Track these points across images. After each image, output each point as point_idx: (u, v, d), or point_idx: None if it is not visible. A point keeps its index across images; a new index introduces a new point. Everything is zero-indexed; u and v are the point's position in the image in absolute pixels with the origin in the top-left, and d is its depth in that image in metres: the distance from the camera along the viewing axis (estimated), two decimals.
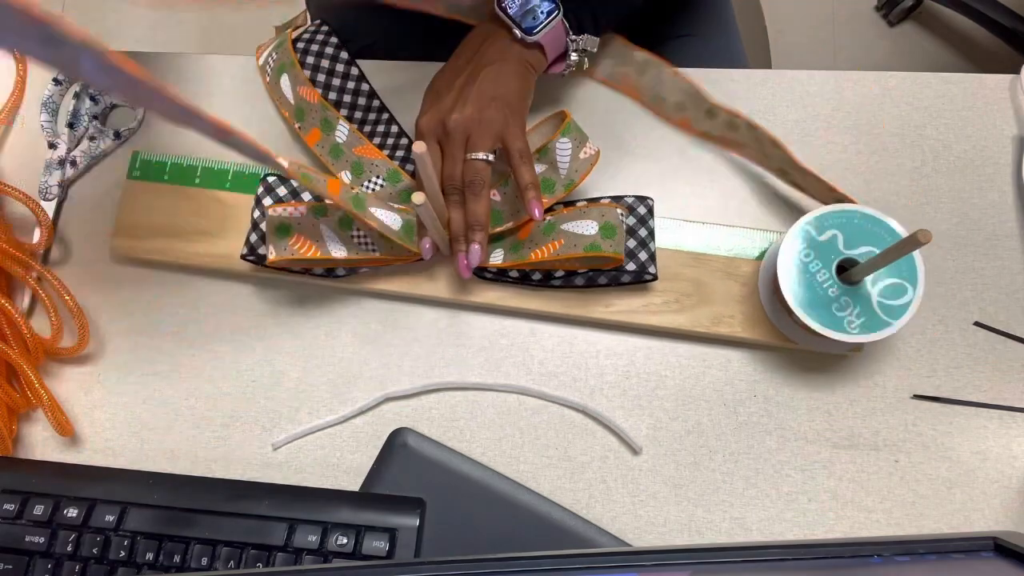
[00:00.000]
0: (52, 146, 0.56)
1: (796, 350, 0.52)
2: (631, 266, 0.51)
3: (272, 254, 0.48)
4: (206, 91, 0.59)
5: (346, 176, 0.54)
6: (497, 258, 0.51)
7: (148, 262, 0.55)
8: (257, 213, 0.52)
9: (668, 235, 0.53)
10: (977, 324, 0.53)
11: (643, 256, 0.51)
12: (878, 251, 0.48)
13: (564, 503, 0.50)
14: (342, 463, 0.52)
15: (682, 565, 0.31)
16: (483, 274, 0.52)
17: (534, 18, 0.50)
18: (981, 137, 0.56)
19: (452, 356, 0.53)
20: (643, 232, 0.52)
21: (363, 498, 0.49)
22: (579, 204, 0.51)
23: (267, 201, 0.53)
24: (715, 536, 0.50)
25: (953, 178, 0.55)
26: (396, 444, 0.51)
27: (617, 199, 0.52)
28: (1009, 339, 0.52)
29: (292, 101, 0.55)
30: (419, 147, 0.42)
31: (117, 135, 0.57)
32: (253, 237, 0.52)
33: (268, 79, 0.57)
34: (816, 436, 0.51)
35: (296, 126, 0.55)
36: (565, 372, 0.53)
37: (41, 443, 0.52)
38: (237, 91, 0.59)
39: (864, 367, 0.52)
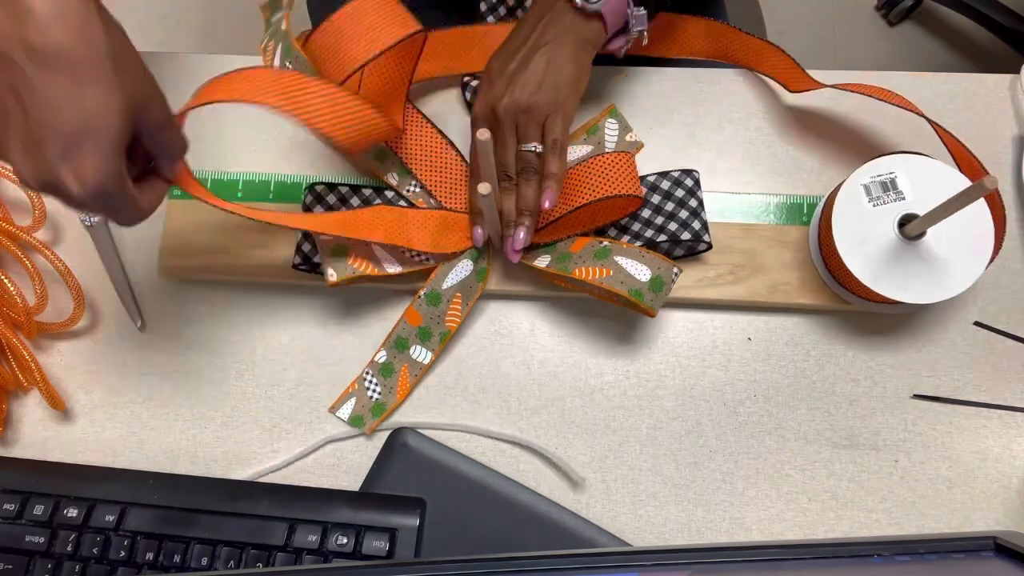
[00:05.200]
0: None
1: (851, 313, 0.53)
2: (686, 235, 0.51)
3: (333, 276, 0.48)
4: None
5: (392, 178, 0.54)
6: (543, 262, 0.51)
7: (198, 280, 0.54)
8: None
9: (715, 209, 0.54)
10: (977, 324, 0.53)
11: (696, 225, 0.51)
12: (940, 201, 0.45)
13: (564, 503, 0.50)
14: (342, 463, 0.52)
15: (682, 565, 0.31)
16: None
17: None
18: (981, 137, 0.56)
19: (452, 356, 0.53)
20: (693, 202, 0.52)
21: (363, 498, 0.49)
22: (639, 244, 0.51)
23: (317, 210, 0.52)
24: (715, 536, 0.50)
25: None
26: (396, 444, 0.51)
27: (663, 174, 0.53)
28: (1009, 339, 0.52)
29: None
30: (483, 134, 0.42)
31: None
32: (306, 247, 0.51)
33: None
34: (816, 436, 0.51)
35: None
36: (565, 372, 0.53)
37: (41, 443, 0.52)
38: None
39: (864, 367, 0.52)
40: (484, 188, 0.43)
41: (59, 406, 0.51)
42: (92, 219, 0.55)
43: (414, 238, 0.51)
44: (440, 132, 0.54)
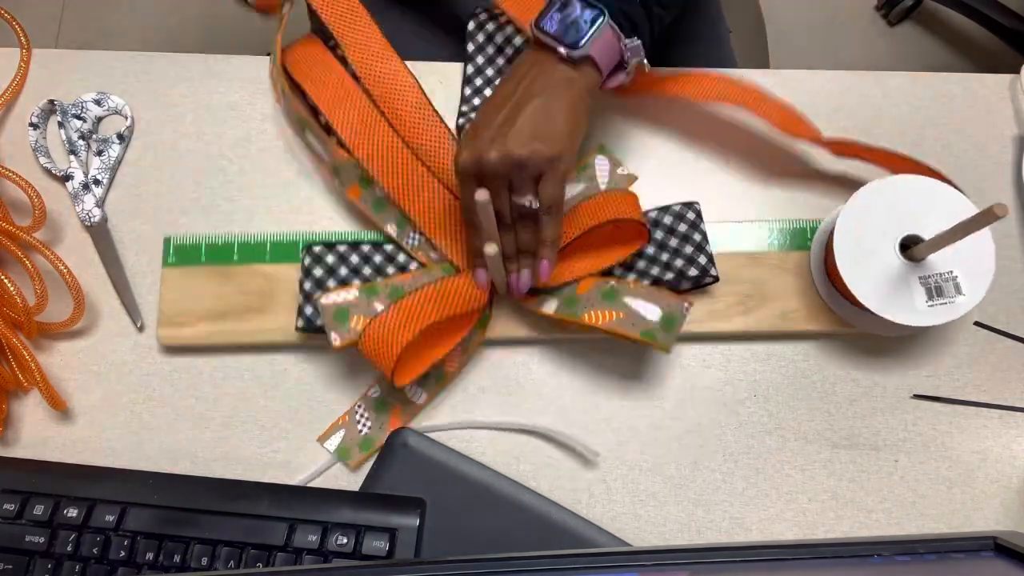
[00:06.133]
0: (68, 178, 0.56)
1: (852, 336, 0.52)
2: (692, 271, 0.50)
3: (337, 341, 0.48)
4: (206, 91, 0.59)
5: (392, 228, 0.53)
6: (549, 308, 0.50)
7: (199, 348, 0.53)
8: (308, 284, 0.51)
9: (718, 239, 0.53)
10: (977, 324, 0.53)
11: (702, 260, 0.50)
12: (945, 225, 0.45)
13: (564, 503, 0.50)
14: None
15: (682, 565, 0.31)
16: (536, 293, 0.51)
17: (578, 30, 0.45)
18: (981, 137, 0.56)
19: None
20: (697, 236, 0.51)
21: (363, 498, 0.49)
22: (646, 283, 0.50)
23: (317, 272, 0.51)
24: (715, 536, 0.50)
25: (953, 178, 0.55)
26: (396, 444, 0.51)
27: (664, 209, 0.52)
28: (1009, 339, 0.52)
29: (327, 159, 0.54)
30: (481, 195, 0.41)
31: (120, 137, 0.57)
32: (308, 310, 0.50)
33: (296, 130, 0.56)
34: (816, 436, 0.51)
35: (336, 182, 0.54)
36: (564, 372, 0.53)
37: (41, 443, 0.52)
38: (238, 90, 0.58)
39: (864, 366, 0.52)
40: (491, 249, 0.42)
41: (59, 406, 0.51)
42: (93, 219, 0.55)
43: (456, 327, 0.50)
44: (436, 176, 0.52)
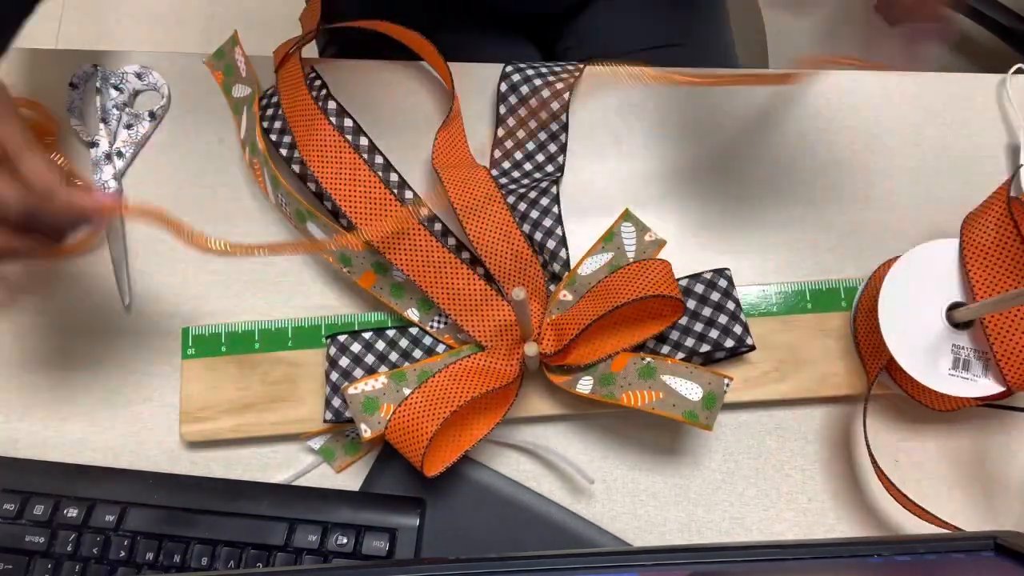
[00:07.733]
0: (93, 144, 0.56)
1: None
2: (729, 342, 0.49)
3: (367, 433, 0.46)
4: (206, 91, 0.59)
5: (413, 313, 0.51)
6: (584, 387, 0.48)
7: (224, 442, 0.52)
8: (335, 375, 0.49)
9: (750, 303, 0.52)
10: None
11: (738, 329, 0.49)
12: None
13: (564, 503, 0.50)
14: None
15: (682, 565, 0.31)
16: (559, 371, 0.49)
17: None
18: (981, 137, 0.56)
19: None
20: (731, 305, 0.50)
21: (363, 498, 0.49)
22: (681, 356, 0.49)
23: (343, 361, 0.50)
24: (715, 536, 0.50)
25: (953, 178, 0.55)
26: None
27: (695, 277, 0.51)
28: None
29: (333, 247, 0.51)
30: (519, 293, 0.41)
31: (152, 115, 0.57)
32: (336, 402, 0.49)
33: (293, 222, 0.53)
34: (816, 436, 0.51)
35: (344, 270, 0.51)
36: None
37: (41, 443, 0.52)
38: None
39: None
40: (519, 293, 0.42)
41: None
42: (108, 190, 0.55)
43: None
44: (451, 251, 0.50)
